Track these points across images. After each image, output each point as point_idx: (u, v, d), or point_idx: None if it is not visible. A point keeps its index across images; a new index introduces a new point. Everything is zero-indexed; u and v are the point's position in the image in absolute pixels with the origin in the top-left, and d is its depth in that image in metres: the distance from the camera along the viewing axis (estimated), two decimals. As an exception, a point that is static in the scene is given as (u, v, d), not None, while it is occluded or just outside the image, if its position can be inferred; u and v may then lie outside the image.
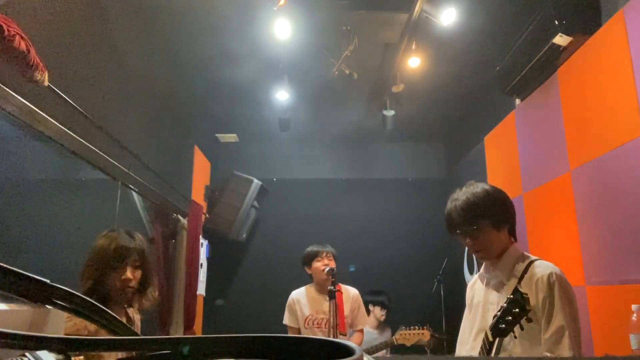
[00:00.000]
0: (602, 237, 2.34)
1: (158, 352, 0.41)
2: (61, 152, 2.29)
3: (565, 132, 2.70)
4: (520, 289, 1.35)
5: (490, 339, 1.42)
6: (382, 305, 4.22)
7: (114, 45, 2.84)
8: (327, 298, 2.77)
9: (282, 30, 3.07)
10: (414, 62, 3.48)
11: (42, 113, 2.01)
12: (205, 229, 4.84)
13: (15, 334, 0.36)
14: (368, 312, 4.00)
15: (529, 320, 1.34)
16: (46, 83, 1.86)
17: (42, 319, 0.49)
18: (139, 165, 3.08)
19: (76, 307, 0.50)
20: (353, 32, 3.36)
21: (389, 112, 4.26)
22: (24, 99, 1.89)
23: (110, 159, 2.66)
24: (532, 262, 1.58)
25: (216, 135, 5.57)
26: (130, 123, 3.11)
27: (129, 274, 1.65)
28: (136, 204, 3.48)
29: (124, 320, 1.78)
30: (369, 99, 4.59)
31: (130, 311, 1.83)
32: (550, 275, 1.50)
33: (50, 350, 0.37)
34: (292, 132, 4.74)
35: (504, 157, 3.66)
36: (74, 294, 0.49)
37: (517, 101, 3.43)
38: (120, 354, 0.43)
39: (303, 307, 3.11)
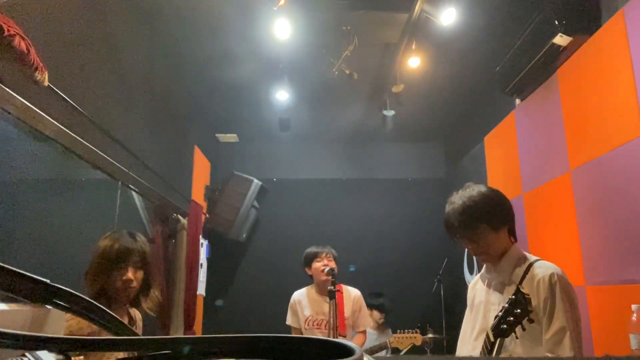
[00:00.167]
0: (602, 237, 2.34)
1: (158, 352, 0.41)
2: (61, 152, 2.29)
3: (565, 132, 2.70)
4: (522, 290, 1.35)
5: (492, 339, 1.42)
6: (381, 309, 4.22)
7: (114, 45, 2.84)
8: (327, 299, 2.77)
9: (282, 30, 3.07)
10: (414, 62, 3.48)
11: (42, 113, 2.01)
12: (205, 229, 4.84)
13: (15, 334, 0.36)
14: None
15: (531, 321, 1.34)
16: (46, 83, 1.86)
17: (42, 319, 0.49)
18: (139, 165, 3.08)
19: (76, 307, 0.50)
20: (353, 32, 3.36)
21: (389, 112, 4.26)
22: (24, 99, 1.89)
23: (110, 159, 2.66)
24: (533, 262, 1.58)
25: (216, 135, 5.57)
26: (130, 123, 3.10)
27: (130, 274, 1.67)
28: (136, 204, 3.48)
29: (125, 320, 1.79)
30: (369, 99, 4.59)
31: (132, 311, 1.84)
32: (551, 276, 1.50)
33: (50, 350, 0.37)
34: (292, 132, 4.75)
35: (504, 157, 3.66)
36: (73, 294, 0.49)
37: (517, 101, 3.44)
38: (120, 354, 0.43)
39: (304, 307, 3.11)
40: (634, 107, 2.09)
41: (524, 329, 1.35)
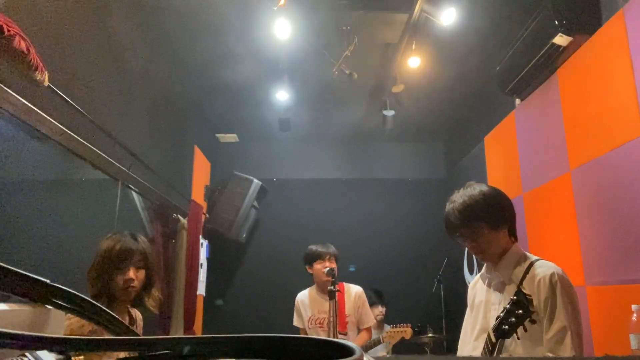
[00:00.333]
0: (602, 237, 2.34)
1: (158, 352, 0.41)
2: (61, 152, 2.29)
3: (565, 132, 2.70)
4: (523, 290, 1.35)
5: (493, 340, 1.42)
6: (378, 302, 4.22)
7: (114, 45, 2.84)
8: (328, 298, 2.77)
9: (282, 30, 3.07)
10: (414, 62, 3.48)
11: (42, 113, 2.01)
12: (205, 229, 4.84)
13: (15, 334, 0.36)
14: None
15: (533, 322, 1.34)
16: (46, 83, 1.86)
17: (42, 319, 0.49)
18: (139, 165, 3.08)
19: (76, 307, 0.50)
20: (353, 32, 3.36)
21: (389, 112, 4.26)
22: (24, 99, 1.89)
23: (110, 159, 2.66)
24: (534, 262, 1.58)
25: (216, 135, 5.57)
26: (130, 123, 3.10)
27: (131, 274, 1.70)
28: (136, 204, 3.48)
29: (126, 320, 1.80)
30: (369, 99, 4.59)
31: (133, 311, 1.87)
32: (552, 276, 1.49)
33: (50, 350, 0.37)
34: (292, 132, 4.74)
35: (504, 157, 3.66)
36: (74, 294, 0.49)
37: (517, 101, 3.43)
38: (120, 354, 0.43)
39: (307, 307, 3.14)
40: (634, 107, 2.09)
41: (525, 330, 1.35)
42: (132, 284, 1.70)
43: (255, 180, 5.11)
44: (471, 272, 4.48)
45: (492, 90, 3.86)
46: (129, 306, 1.81)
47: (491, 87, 3.82)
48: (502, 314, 1.39)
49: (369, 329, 3.16)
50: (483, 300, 1.69)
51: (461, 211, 1.61)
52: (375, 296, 4.24)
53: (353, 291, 3.15)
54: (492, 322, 1.48)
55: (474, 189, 1.65)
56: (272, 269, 5.25)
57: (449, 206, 1.67)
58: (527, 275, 1.55)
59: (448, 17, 2.92)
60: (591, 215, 2.45)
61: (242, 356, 0.42)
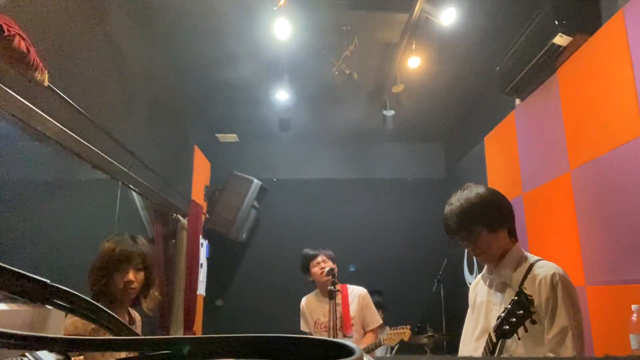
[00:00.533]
0: (602, 237, 2.34)
1: (158, 352, 0.41)
2: (61, 152, 2.29)
3: (565, 132, 2.70)
4: (524, 291, 1.35)
5: (494, 340, 1.42)
6: (379, 306, 4.21)
7: (114, 45, 2.84)
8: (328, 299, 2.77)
9: (282, 30, 3.07)
10: (414, 62, 3.48)
11: (42, 113, 2.01)
12: (205, 229, 4.84)
13: (15, 334, 0.36)
14: None
15: (534, 322, 1.34)
16: (46, 83, 1.86)
17: (42, 319, 0.49)
18: (139, 165, 3.08)
19: (76, 307, 0.50)
20: (353, 32, 3.36)
21: (389, 112, 4.26)
22: (24, 99, 1.89)
23: (110, 159, 2.66)
24: (534, 262, 1.58)
25: (216, 135, 5.57)
26: (130, 123, 3.10)
27: (131, 276, 1.73)
28: (136, 204, 3.48)
29: (125, 320, 1.81)
30: (369, 99, 4.59)
31: (132, 312, 1.89)
32: (553, 276, 1.49)
33: (50, 350, 0.37)
34: (292, 132, 4.75)
35: (504, 157, 3.66)
36: (74, 294, 0.49)
37: (517, 101, 3.43)
38: (120, 354, 0.43)
39: (311, 311, 3.11)
40: (634, 107, 2.09)
41: (526, 330, 1.35)
42: (131, 286, 1.73)
43: (255, 180, 5.11)
44: (471, 272, 4.48)
45: (492, 90, 3.86)
46: (128, 307, 1.83)
47: (491, 87, 3.82)
48: (503, 314, 1.39)
49: (375, 330, 3.12)
50: (484, 301, 1.69)
51: (459, 214, 1.61)
52: (374, 298, 4.23)
53: (357, 292, 3.12)
54: (493, 323, 1.48)
55: (471, 192, 1.64)
56: (272, 269, 5.25)
57: (447, 209, 1.67)
58: (528, 276, 1.55)
59: (448, 17, 2.92)
60: (591, 215, 2.45)
61: (242, 356, 0.42)
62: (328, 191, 5.58)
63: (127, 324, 0.54)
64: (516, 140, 3.40)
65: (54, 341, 0.38)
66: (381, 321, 3.23)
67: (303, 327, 3.17)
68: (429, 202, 5.27)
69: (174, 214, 4.01)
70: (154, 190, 3.42)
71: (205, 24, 3.34)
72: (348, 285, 3.14)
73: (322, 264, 3.02)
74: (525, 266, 1.58)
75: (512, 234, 1.66)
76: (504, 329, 1.37)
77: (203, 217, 4.73)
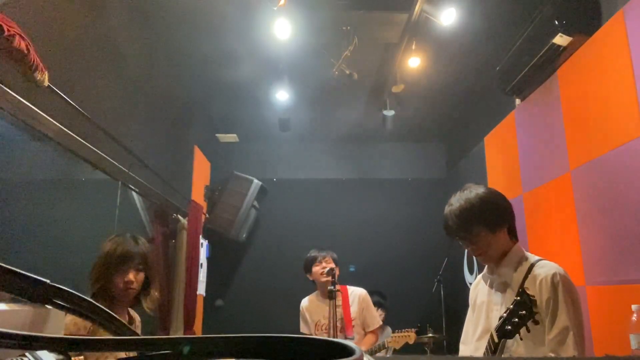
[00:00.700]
0: (602, 237, 2.34)
1: (158, 352, 0.41)
2: (61, 152, 2.29)
3: (565, 132, 2.70)
4: (527, 291, 1.35)
5: (496, 340, 1.42)
6: (378, 306, 4.21)
7: (114, 45, 2.84)
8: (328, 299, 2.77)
9: (282, 30, 3.07)
10: (414, 62, 3.48)
11: (42, 113, 2.01)
12: (205, 229, 4.84)
13: (15, 334, 0.36)
14: None
15: (536, 323, 1.34)
16: (46, 83, 1.86)
17: (42, 319, 0.49)
18: (139, 165, 3.08)
19: (76, 307, 0.50)
20: (353, 32, 3.36)
21: (389, 112, 4.26)
22: (24, 99, 1.89)
23: (110, 159, 2.66)
24: (535, 262, 1.58)
25: (216, 135, 5.57)
26: (130, 123, 3.10)
27: (131, 276, 1.75)
28: (136, 204, 3.48)
29: (125, 320, 1.82)
30: (369, 99, 4.59)
31: (132, 312, 1.91)
32: (554, 276, 1.49)
33: (50, 350, 0.37)
34: (292, 132, 4.74)
35: (504, 157, 3.66)
36: (73, 293, 0.49)
37: (517, 101, 3.43)
38: (120, 354, 0.43)
39: (312, 313, 3.11)
40: (634, 107, 2.09)
41: (528, 331, 1.35)
42: (131, 286, 1.75)
43: (255, 180, 5.11)
44: (471, 272, 4.48)
45: (492, 90, 3.86)
46: (128, 308, 1.85)
47: (491, 87, 3.81)
48: (505, 315, 1.39)
49: (375, 331, 3.11)
50: (485, 301, 1.69)
51: (458, 215, 1.61)
52: (374, 298, 4.23)
53: (357, 294, 3.12)
54: (494, 323, 1.48)
55: (470, 192, 1.65)
56: (272, 269, 5.25)
57: (447, 210, 1.67)
58: (529, 276, 1.54)
59: (448, 17, 2.92)
60: (591, 215, 2.45)
61: (242, 356, 0.42)
62: (328, 191, 5.58)
63: (127, 324, 0.54)
64: (516, 140, 3.40)
65: (54, 341, 0.38)
66: (381, 322, 3.23)
67: (303, 329, 3.16)
68: (429, 202, 5.27)
69: (174, 214, 4.01)
70: (154, 190, 3.42)
71: (205, 24, 3.34)
72: (348, 287, 3.13)
73: (325, 264, 3.02)
74: (526, 266, 1.58)
75: (513, 234, 1.66)
76: (506, 329, 1.37)
77: (203, 217, 4.73)
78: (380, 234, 5.41)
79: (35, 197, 2.28)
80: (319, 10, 3.17)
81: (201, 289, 4.65)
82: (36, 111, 1.97)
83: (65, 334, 0.45)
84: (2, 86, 1.76)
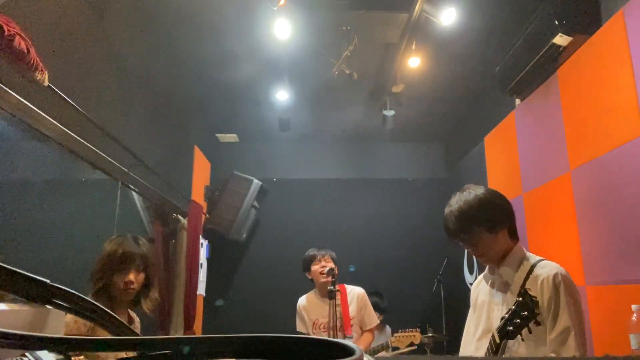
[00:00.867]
0: (602, 237, 2.34)
1: (158, 352, 0.41)
2: (61, 152, 2.29)
3: (565, 132, 2.70)
4: (529, 292, 1.35)
5: (498, 340, 1.42)
6: (377, 309, 4.20)
7: (114, 45, 2.84)
8: (328, 299, 2.77)
9: (282, 30, 3.07)
10: (414, 62, 3.48)
11: (42, 113, 2.01)
12: (205, 229, 4.84)
13: (15, 334, 0.36)
14: None
15: (538, 324, 1.34)
16: (46, 83, 1.86)
17: (42, 319, 0.49)
18: (139, 165, 3.08)
19: (76, 307, 0.50)
20: (353, 32, 3.36)
21: (389, 112, 4.26)
22: (24, 99, 1.89)
23: (110, 159, 2.66)
24: (536, 262, 1.58)
25: (216, 135, 5.57)
26: (130, 123, 3.10)
27: (131, 276, 1.76)
28: (136, 204, 3.48)
29: (125, 320, 1.82)
30: (369, 99, 4.59)
31: (132, 313, 1.92)
32: (555, 276, 1.49)
33: (50, 350, 0.37)
34: (292, 132, 4.74)
35: (504, 157, 3.66)
36: (73, 294, 0.49)
37: (517, 101, 3.43)
38: (120, 354, 0.43)
39: (309, 312, 3.10)
40: (634, 107, 2.09)
41: (530, 332, 1.35)
42: (131, 286, 1.76)
43: (255, 180, 5.11)
44: (471, 272, 4.48)
45: (492, 90, 3.86)
46: (128, 308, 1.86)
47: (491, 87, 3.82)
48: (506, 315, 1.39)
49: (372, 330, 3.12)
50: (486, 301, 1.69)
51: (457, 217, 1.61)
52: (373, 300, 4.21)
53: (355, 293, 3.12)
54: (496, 323, 1.48)
55: (470, 193, 1.65)
56: (272, 269, 5.25)
57: (446, 211, 1.67)
58: (530, 276, 1.54)
59: (448, 17, 2.92)
60: (591, 215, 2.45)
61: (242, 356, 0.42)
62: (328, 191, 5.58)
63: (127, 324, 0.54)
64: (516, 140, 3.40)
65: (54, 341, 0.38)
66: (378, 321, 3.23)
67: (299, 327, 3.14)
68: (429, 202, 5.27)
69: (174, 214, 4.01)
70: (154, 190, 3.42)
71: (205, 24, 3.33)
72: (346, 286, 3.13)
73: (324, 263, 3.02)
74: (527, 266, 1.58)
75: (513, 235, 1.66)
76: (508, 330, 1.37)
77: (203, 217, 4.73)
78: (380, 234, 5.41)
79: (35, 197, 2.28)
80: (319, 10, 3.17)
81: (201, 289, 4.65)
82: (36, 111, 1.97)
83: (65, 334, 0.45)
84: (2, 86, 1.76)
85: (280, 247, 5.28)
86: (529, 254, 1.65)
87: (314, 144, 5.75)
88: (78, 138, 2.31)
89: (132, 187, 3.12)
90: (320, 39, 3.47)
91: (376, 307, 4.19)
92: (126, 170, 2.90)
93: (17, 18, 1.70)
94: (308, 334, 3.06)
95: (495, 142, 3.91)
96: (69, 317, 1.48)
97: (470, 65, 3.86)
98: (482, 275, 1.80)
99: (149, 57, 3.45)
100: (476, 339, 1.67)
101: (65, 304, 0.49)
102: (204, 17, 3.25)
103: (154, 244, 3.56)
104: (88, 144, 2.41)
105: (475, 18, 3.18)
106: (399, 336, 3.25)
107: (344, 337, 2.90)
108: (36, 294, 0.47)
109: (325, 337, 0.44)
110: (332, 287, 2.74)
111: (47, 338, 0.37)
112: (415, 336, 3.21)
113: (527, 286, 1.49)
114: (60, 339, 0.38)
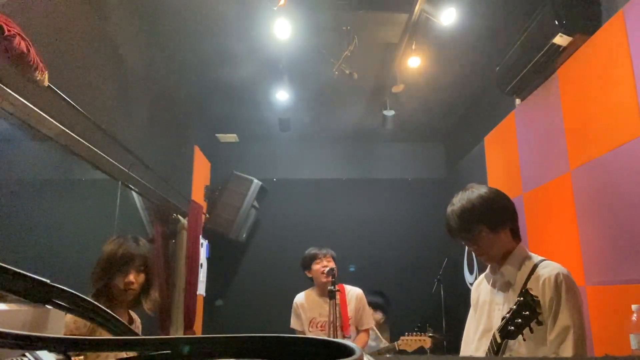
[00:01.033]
0: (602, 237, 2.34)
1: (158, 352, 0.41)
2: (61, 152, 2.29)
3: (565, 132, 2.70)
4: (531, 292, 1.35)
5: (499, 340, 1.42)
6: (379, 309, 4.20)
7: (114, 45, 2.84)
8: (328, 299, 2.77)
9: (282, 30, 3.07)
10: (414, 62, 3.48)
11: (42, 113, 2.01)
12: (205, 229, 4.84)
13: (15, 334, 0.36)
14: None
15: (539, 324, 1.34)
16: (46, 83, 1.86)
17: (42, 319, 0.49)
18: (139, 165, 3.08)
19: (76, 307, 0.50)
20: (353, 32, 3.36)
21: (389, 112, 4.26)
22: (24, 99, 1.89)
23: (110, 159, 2.66)
24: (538, 262, 1.58)
25: (216, 135, 5.57)
26: (130, 123, 3.10)
27: (132, 277, 1.77)
28: (136, 204, 3.48)
29: (125, 320, 1.82)
30: (369, 99, 4.59)
31: (132, 313, 1.92)
32: (557, 276, 1.49)
33: (50, 350, 0.37)
34: (292, 132, 4.74)
35: (504, 157, 3.66)
36: (73, 293, 0.49)
37: (517, 101, 3.43)
38: (120, 354, 0.43)
39: (306, 310, 3.10)
40: (634, 107, 2.09)
41: (531, 332, 1.35)
42: (131, 287, 1.76)
43: (255, 180, 5.11)
44: (471, 272, 4.48)
45: (492, 90, 3.86)
46: (129, 309, 1.87)
47: (491, 87, 3.82)
48: (508, 315, 1.39)
49: (367, 330, 3.14)
50: (487, 301, 1.68)
51: (459, 215, 1.61)
52: (376, 300, 4.22)
53: (354, 293, 3.13)
54: (497, 322, 1.47)
55: (472, 193, 1.64)
56: (272, 269, 5.25)
57: (448, 209, 1.67)
58: (532, 276, 1.54)
59: (448, 17, 2.92)
60: (591, 215, 2.45)
61: (241, 356, 0.42)
62: (328, 191, 5.59)
63: (127, 324, 0.54)
64: (516, 140, 3.40)
65: (54, 341, 0.38)
66: (374, 322, 3.22)
67: (294, 324, 3.13)
68: (429, 202, 5.27)
69: (174, 214, 4.01)
70: (154, 190, 3.42)
71: (205, 24, 3.34)
72: (345, 286, 3.14)
73: (325, 262, 3.03)
74: (529, 266, 1.58)
75: (515, 234, 1.66)
76: (509, 330, 1.37)
77: (203, 217, 4.73)
78: (380, 234, 5.41)
79: (35, 197, 2.28)
80: (319, 10, 3.17)
81: (201, 289, 4.65)
82: (36, 111, 1.97)
83: (65, 334, 0.45)
84: (2, 86, 1.76)
85: (280, 247, 5.28)
86: (531, 254, 1.65)
87: (314, 144, 5.75)
88: (78, 138, 2.31)
89: (132, 187, 3.12)
90: (320, 39, 3.47)
91: (380, 308, 4.20)
92: (126, 170, 2.90)
93: (17, 18, 1.70)
94: (303, 332, 3.06)
95: (495, 142, 3.91)
96: (69, 317, 1.48)
97: (470, 65, 3.87)
98: (483, 275, 1.80)
99: (149, 57, 3.45)
100: (477, 339, 1.67)
101: (65, 304, 0.49)
102: (204, 17, 3.25)
103: (154, 244, 3.56)
104: (88, 144, 2.41)
105: (475, 18, 3.18)
106: (408, 339, 3.23)
107: (343, 336, 2.91)
108: (36, 294, 0.47)
109: (325, 337, 0.44)
110: (332, 287, 2.75)
111: (47, 338, 0.37)
112: (426, 341, 3.20)
113: (529, 286, 1.49)
114: (60, 339, 0.38)
